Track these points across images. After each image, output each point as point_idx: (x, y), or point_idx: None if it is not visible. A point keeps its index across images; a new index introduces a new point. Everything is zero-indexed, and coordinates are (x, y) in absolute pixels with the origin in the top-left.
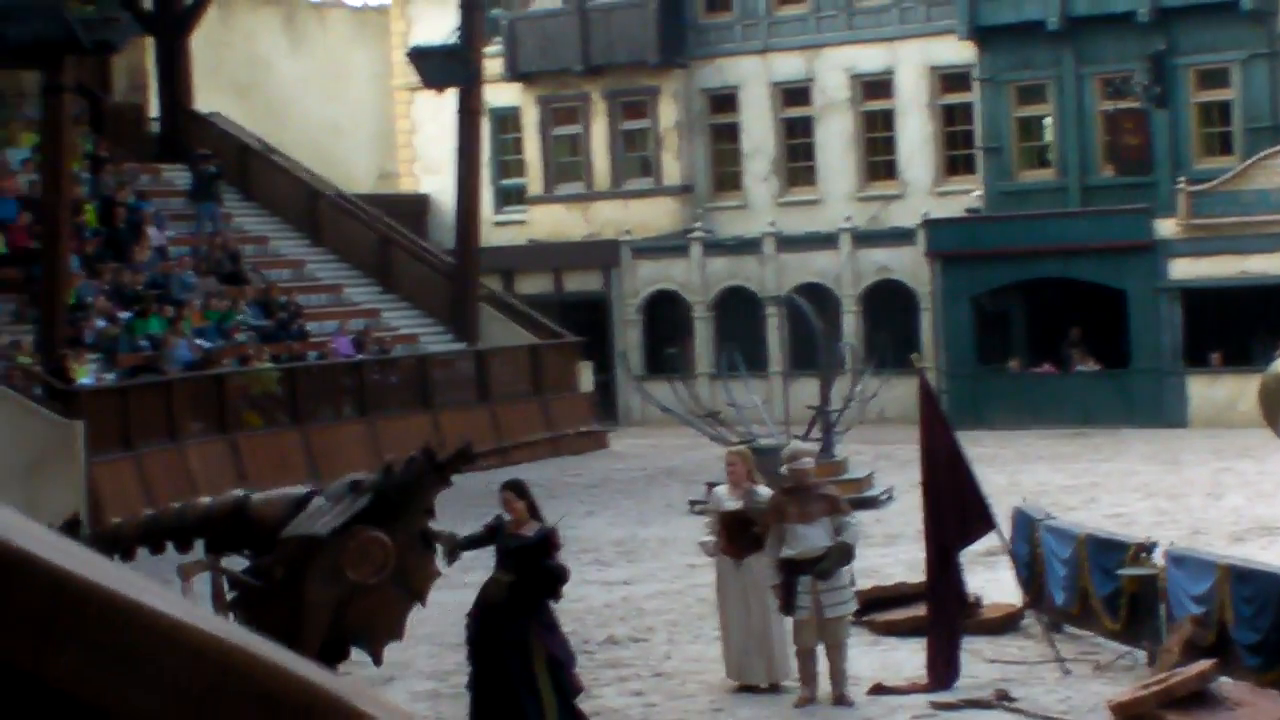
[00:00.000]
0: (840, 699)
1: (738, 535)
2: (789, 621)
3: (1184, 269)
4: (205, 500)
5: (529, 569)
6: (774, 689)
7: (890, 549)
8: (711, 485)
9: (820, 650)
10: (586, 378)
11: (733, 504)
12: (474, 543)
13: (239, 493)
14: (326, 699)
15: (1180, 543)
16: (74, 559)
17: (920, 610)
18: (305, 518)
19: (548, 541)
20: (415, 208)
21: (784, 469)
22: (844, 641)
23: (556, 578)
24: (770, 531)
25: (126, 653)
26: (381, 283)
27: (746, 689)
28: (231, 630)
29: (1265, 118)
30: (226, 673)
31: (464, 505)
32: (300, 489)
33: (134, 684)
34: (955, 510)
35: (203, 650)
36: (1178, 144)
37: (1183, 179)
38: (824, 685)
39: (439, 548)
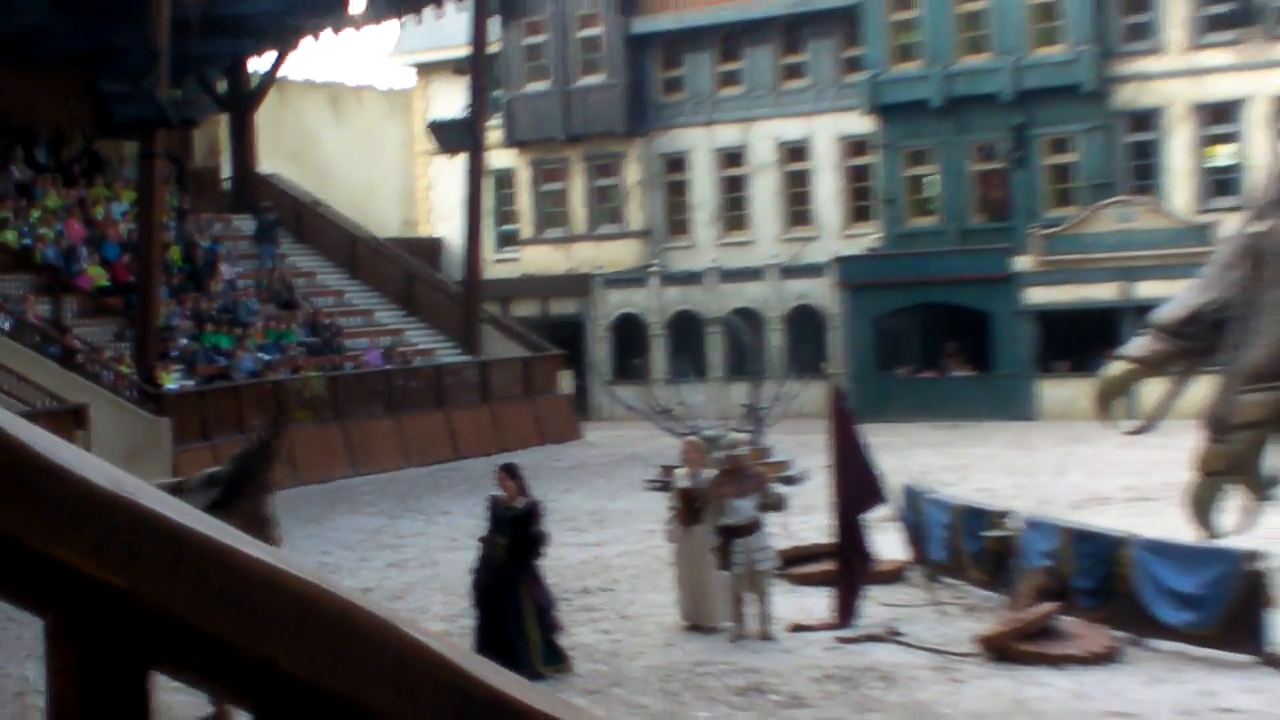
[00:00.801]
0: (766, 635)
1: (689, 508)
2: (725, 575)
3: (1037, 296)
4: None
5: (519, 534)
6: (714, 629)
7: (806, 517)
8: (667, 468)
9: (749, 598)
10: (566, 383)
11: (685, 483)
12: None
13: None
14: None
15: (1032, 511)
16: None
17: (829, 566)
18: None
19: (533, 512)
20: (431, 248)
21: (722, 454)
22: (768, 590)
23: (539, 541)
24: (711, 505)
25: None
26: (405, 308)
27: (693, 628)
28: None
29: (1100, 176)
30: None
31: (472, 484)
32: (170, 479)
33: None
34: (856, 486)
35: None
36: (1032, 197)
37: (1036, 225)
38: (752, 626)
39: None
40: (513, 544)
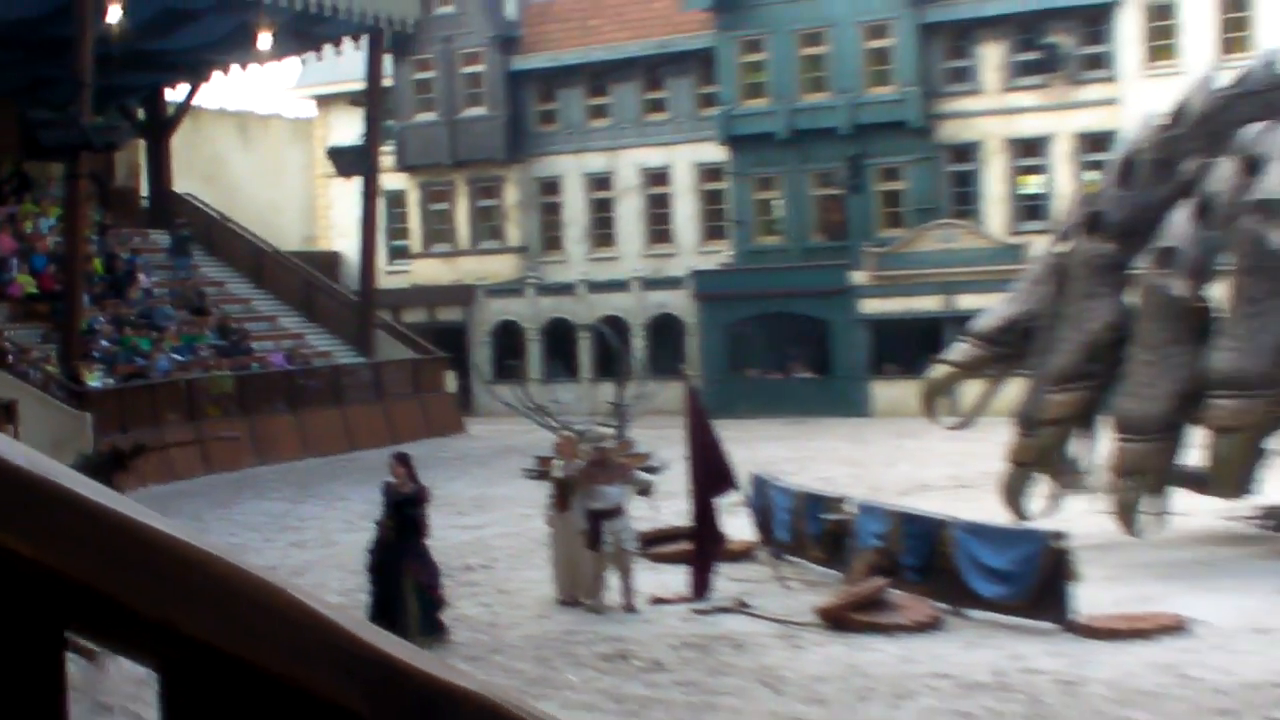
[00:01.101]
0: (630, 607)
1: (564, 495)
2: (594, 554)
3: (870, 307)
4: None
5: (407, 516)
6: (580, 603)
7: (665, 503)
8: (543, 459)
9: (615, 574)
10: (451, 382)
11: (560, 473)
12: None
13: None
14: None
15: (865, 497)
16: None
17: (686, 546)
18: None
19: (419, 496)
20: (330, 261)
21: (589, 447)
22: (631, 567)
23: (422, 521)
24: (580, 491)
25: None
26: (306, 315)
27: (565, 602)
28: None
29: (926, 202)
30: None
31: (366, 473)
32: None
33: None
34: (710, 475)
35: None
36: (866, 219)
37: (869, 244)
38: (617, 600)
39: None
40: (400, 525)
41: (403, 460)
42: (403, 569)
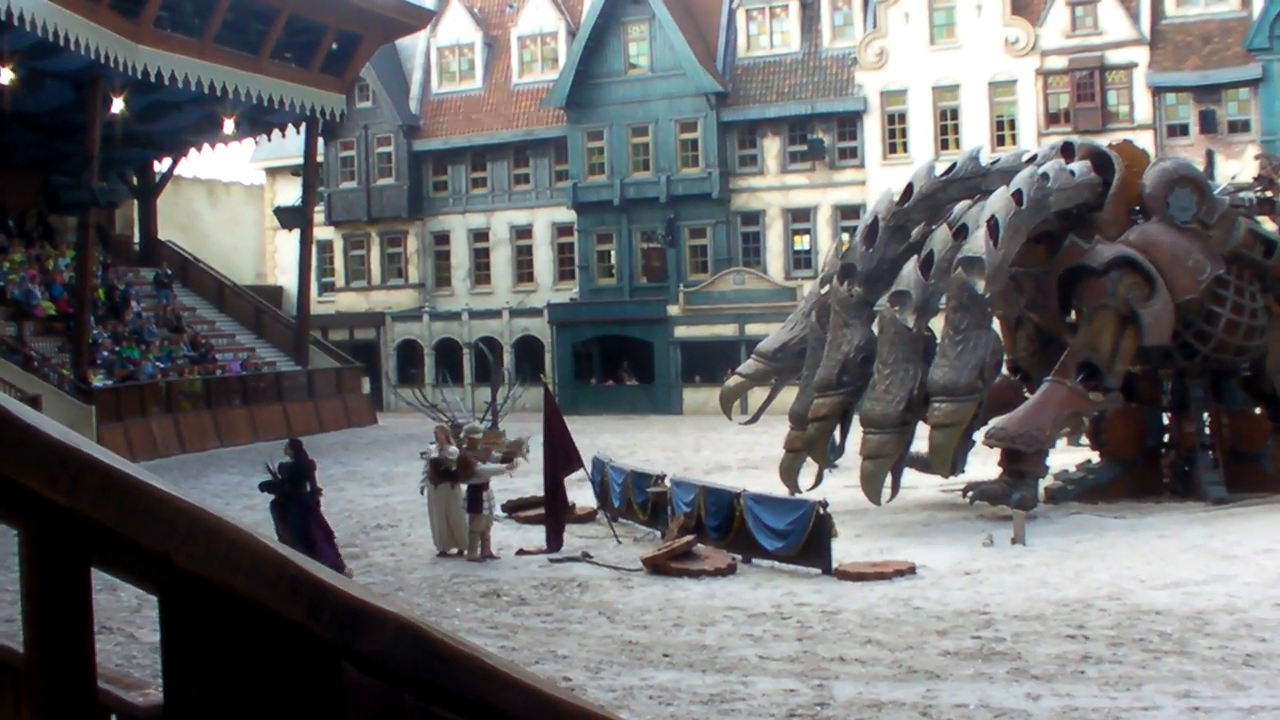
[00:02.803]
0: (493, 555)
1: (436, 471)
2: (475, 517)
3: (683, 331)
4: None
5: (300, 481)
6: (460, 554)
7: (527, 479)
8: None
9: (486, 533)
10: (366, 385)
11: (435, 455)
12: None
13: None
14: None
15: (678, 474)
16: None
17: (542, 510)
18: None
19: (304, 468)
20: (275, 293)
21: (464, 436)
22: (491, 526)
23: (314, 487)
24: (467, 470)
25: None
26: (256, 333)
27: (444, 555)
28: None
29: (723, 254)
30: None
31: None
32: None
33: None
34: (562, 457)
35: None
36: (680, 266)
37: (682, 284)
38: (484, 551)
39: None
40: (295, 489)
41: (294, 445)
42: (306, 526)
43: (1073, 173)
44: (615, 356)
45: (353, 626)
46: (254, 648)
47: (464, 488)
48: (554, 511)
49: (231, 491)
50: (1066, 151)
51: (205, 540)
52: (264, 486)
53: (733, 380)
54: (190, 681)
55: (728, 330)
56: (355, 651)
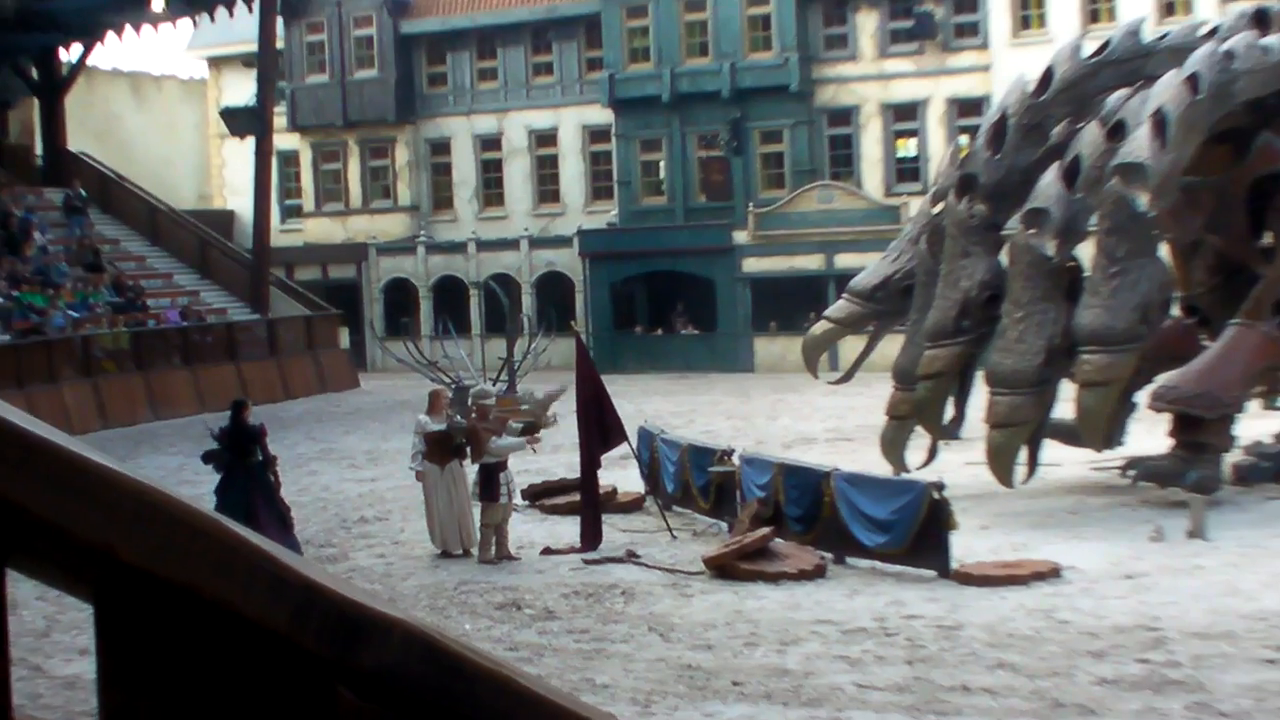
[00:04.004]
0: (511, 555)
1: (441, 449)
2: (488, 506)
3: (752, 265)
4: None
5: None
6: (467, 553)
7: (555, 456)
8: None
9: (502, 525)
10: (344, 338)
11: (436, 427)
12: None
13: None
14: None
15: (749, 449)
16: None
17: (575, 497)
18: None
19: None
20: (224, 219)
21: (472, 402)
22: (510, 517)
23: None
24: (478, 447)
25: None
26: (200, 272)
27: (447, 556)
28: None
29: (806, 164)
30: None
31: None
32: None
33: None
34: (599, 428)
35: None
36: (748, 180)
37: (751, 204)
38: (503, 550)
39: None
40: (242, 459)
41: (236, 405)
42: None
43: (1267, 50)
44: (666, 298)
45: (349, 637)
46: (222, 666)
47: (474, 469)
48: (590, 499)
49: (171, 477)
50: (1260, 21)
51: (159, 528)
52: (206, 458)
53: (819, 327)
54: (136, 713)
55: (811, 262)
56: (352, 668)
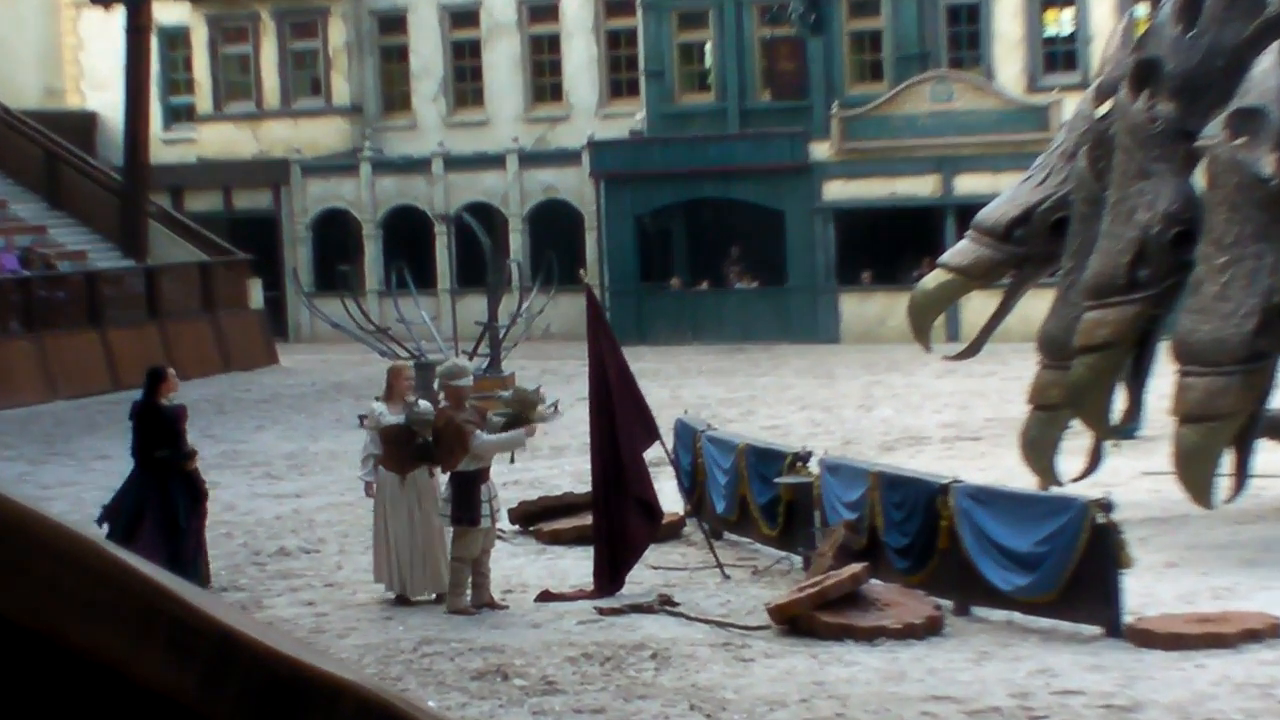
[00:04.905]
0: (496, 603)
1: (402, 449)
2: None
3: (837, 190)
4: None
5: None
6: (434, 601)
7: (557, 461)
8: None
9: (483, 557)
10: (256, 295)
11: (393, 419)
12: None
13: None
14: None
15: (833, 452)
16: None
17: (586, 519)
18: None
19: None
20: (82, 124)
21: (440, 384)
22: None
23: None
24: (450, 447)
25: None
26: (48, 199)
27: (403, 602)
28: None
29: (913, 46)
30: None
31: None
32: None
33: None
34: (619, 422)
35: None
36: (831, 70)
37: (836, 104)
38: (483, 593)
39: None
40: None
41: (152, 375)
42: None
43: None
44: (715, 238)
45: (282, 708)
46: None
47: (443, 479)
48: (605, 521)
49: (8, 487)
50: None
51: (23, 556)
52: (104, 516)
53: (933, 279)
54: None
55: (922, 186)
56: None
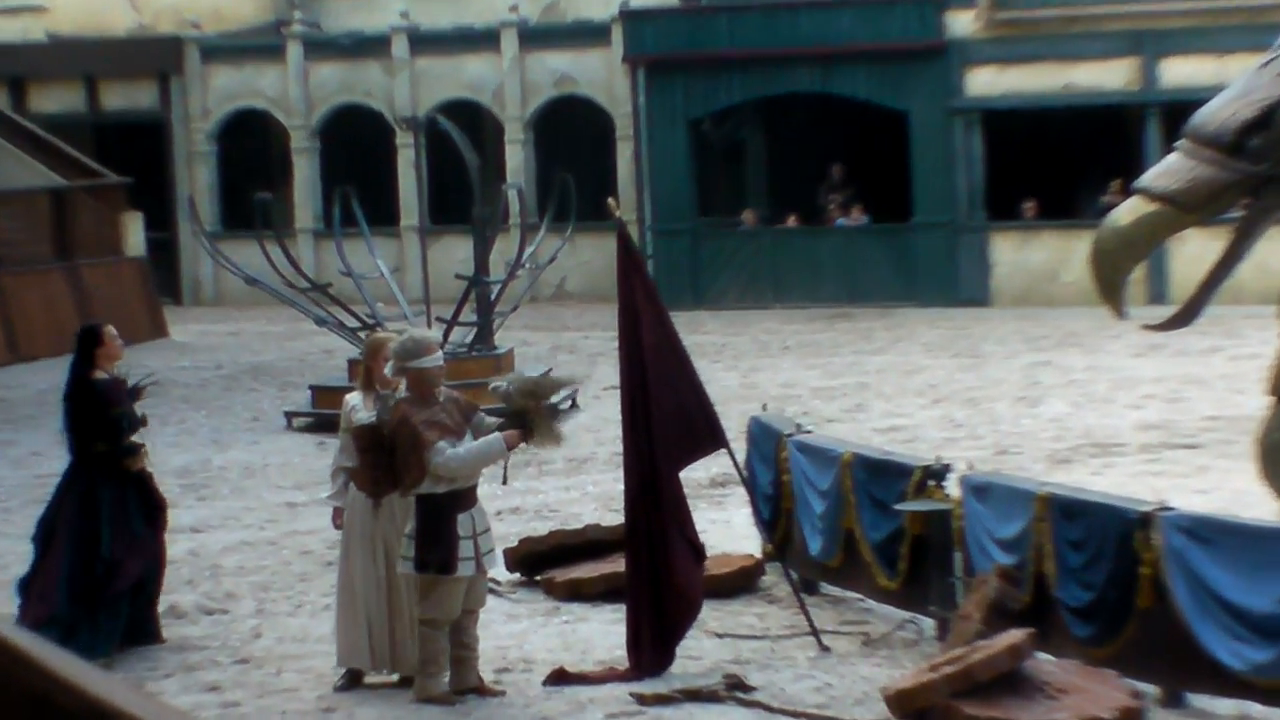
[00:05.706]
0: (486, 688)
1: (374, 461)
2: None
3: (986, 82)
4: None
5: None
6: (404, 682)
7: (575, 479)
8: (324, 390)
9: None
10: (136, 236)
11: (368, 415)
12: None
13: None
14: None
15: (982, 467)
16: None
17: (618, 565)
18: None
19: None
20: None
21: (392, 368)
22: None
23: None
24: (406, 459)
25: None
26: None
27: (356, 685)
28: None
29: None
30: None
31: None
32: None
33: None
34: (669, 422)
35: None
36: None
37: None
38: (471, 674)
39: None
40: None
41: (84, 334)
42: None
43: None
44: (807, 151)
45: None
46: None
47: (408, 504)
48: (647, 566)
49: None
50: None
51: None
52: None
53: (1129, 210)
54: None
55: (1111, 74)
56: None
